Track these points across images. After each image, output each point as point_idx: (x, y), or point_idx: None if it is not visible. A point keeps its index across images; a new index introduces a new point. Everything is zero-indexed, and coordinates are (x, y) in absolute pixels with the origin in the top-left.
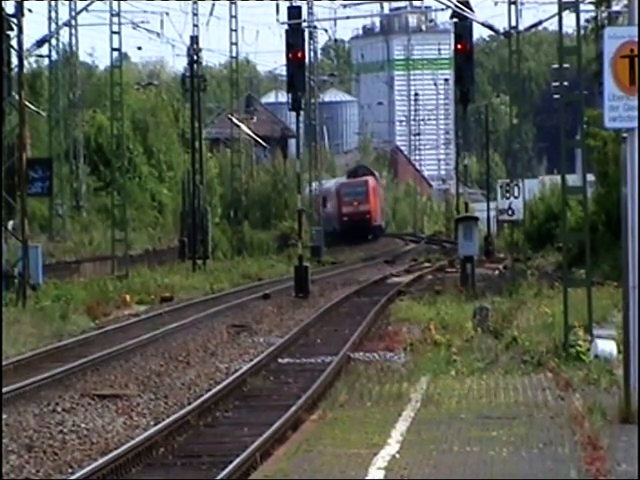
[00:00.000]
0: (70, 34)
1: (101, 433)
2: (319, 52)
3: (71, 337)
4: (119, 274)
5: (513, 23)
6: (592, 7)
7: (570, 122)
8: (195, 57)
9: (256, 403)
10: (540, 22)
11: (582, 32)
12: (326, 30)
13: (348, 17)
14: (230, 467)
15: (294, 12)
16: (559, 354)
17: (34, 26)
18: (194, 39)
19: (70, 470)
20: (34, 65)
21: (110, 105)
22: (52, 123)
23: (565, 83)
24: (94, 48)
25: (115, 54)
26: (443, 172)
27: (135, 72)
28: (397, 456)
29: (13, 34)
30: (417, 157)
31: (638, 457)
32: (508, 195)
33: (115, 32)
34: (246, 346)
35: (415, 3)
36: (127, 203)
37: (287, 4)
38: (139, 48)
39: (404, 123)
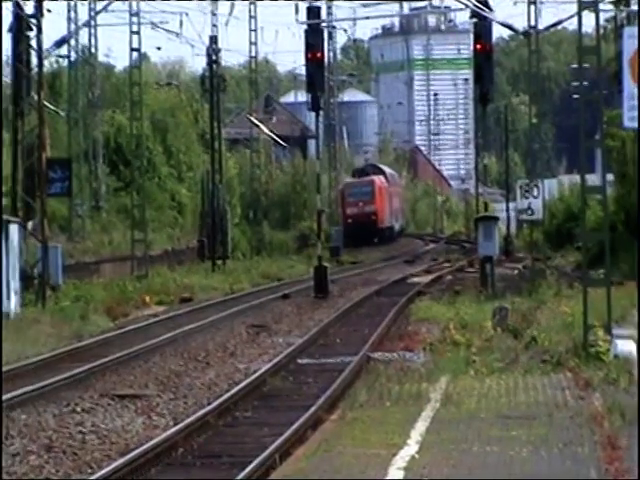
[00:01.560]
0: (89, 34)
1: (120, 433)
2: (338, 52)
3: (91, 337)
4: (138, 274)
5: (532, 23)
6: (611, 7)
7: (589, 122)
8: (214, 57)
9: (276, 403)
10: (559, 22)
11: (601, 32)
12: (345, 30)
13: (368, 17)
14: (250, 467)
15: (313, 12)
16: (579, 354)
17: (53, 26)
18: (213, 39)
19: (90, 470)
20: (54, 65)
21: (129, 105)
22: (71, 123)
23: (585, 83)
24: (110, 49)
25: (134, 54)
26: (462, 172)
27: (154, 72)
28: (416, 456)
29: (32, 34)
30: (436, 157)
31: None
32: (527, 195)
33: (134, 32)
34: (265, 346)
35: (434, 3)
36: (146, 203)
37: (306, 4)
38: (158, 48)
39: (423, 123)
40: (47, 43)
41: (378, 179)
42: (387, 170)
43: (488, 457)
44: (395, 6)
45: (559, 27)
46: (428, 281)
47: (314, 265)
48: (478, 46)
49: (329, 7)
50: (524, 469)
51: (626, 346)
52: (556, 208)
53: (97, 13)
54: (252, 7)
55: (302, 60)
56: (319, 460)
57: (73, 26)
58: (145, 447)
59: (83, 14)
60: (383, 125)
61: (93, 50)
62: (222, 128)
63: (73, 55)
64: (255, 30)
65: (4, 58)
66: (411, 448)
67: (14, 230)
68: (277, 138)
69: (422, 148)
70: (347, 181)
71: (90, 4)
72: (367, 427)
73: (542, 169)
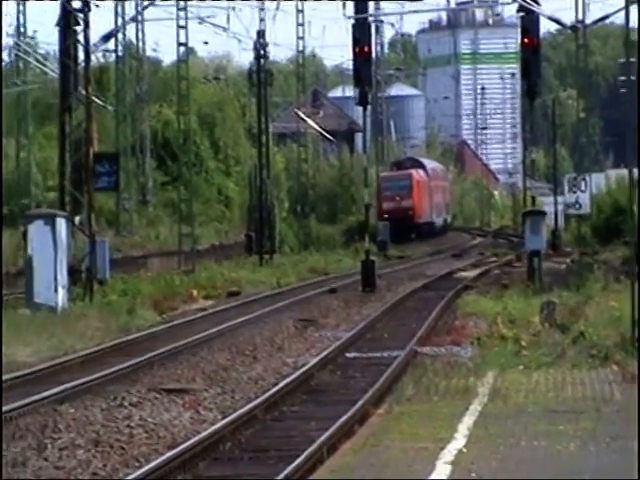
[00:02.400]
0: (136, 29)
1: (168, 427)
2: (386, 46)
3: (138, 331)
4: (186, 269)
5: (580, 17)
6: None
7: (637, 116)
8: (262, 51)
9: (323, 397)
10: (607, 16)
11: None
12: (393, 24)
13: (415, 11)
14: (297, 461)
15: (361, 6)
16: (626, 348)
17: (101, 21)
18: (261, 33)
19: (137, 464)
20: (101, 60)
21: (177, 99)
22: (119, 118)
23: (632, 77)
24: (158, 43)
25: (182, 49)
26: (510, 166)
27: (202, 67)
28: (464, 450)
29: (80, 29)
30: (484, 151)
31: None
32: (575, 189)
33: (182, 27)
34: (313, 340)
35: None
36: (194, 198)
37: None
38: (206, 43)
39: (471, 117)
40: (94, 38)
41: (416, 172)
42: (428, 163)
43: (536, 451)
44: (442, 0)
45: (606, 21)
46: (475, 275)
47: (361, 259)
48: (525, 40)
49: (377, 1)
50: (572, 463)
51: None
52: (604, 202)
53: (144, 8)
54: (299, 1)
55: (349, 54)
56: (366, 454)
57: (120, 20)
58: (192, 441)
59: (130, 8)
60: (430, 119)
61: (140, 45)
62: (269, 122)
63: (120, 50)
64: (302, 24)
65: (52, 52)
66: (459, 442)
67: (62, 224)
68: (324, 132)
69: (469, 142)
70: (383, 174)
71: None
72: (414, 421)
73: (590, 163)
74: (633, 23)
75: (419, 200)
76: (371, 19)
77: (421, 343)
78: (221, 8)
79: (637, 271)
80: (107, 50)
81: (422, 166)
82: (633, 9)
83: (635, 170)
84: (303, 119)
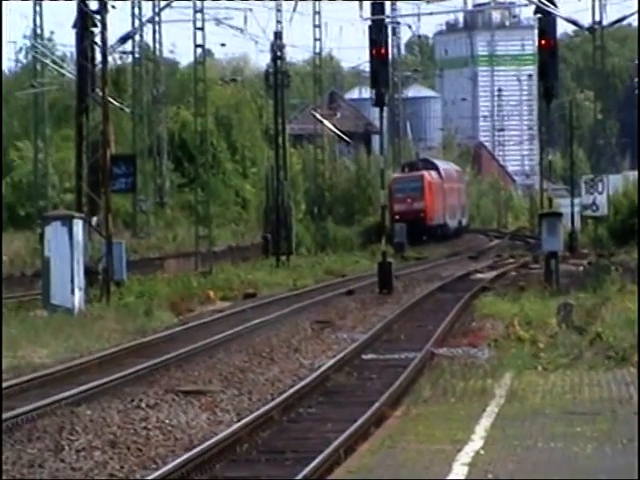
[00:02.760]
0: (153, 30)
1: (185, 429)
2: (403, 48)
3: (155, 333)
4: (203, 270)
5: (597, 18)
6: None
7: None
8: (279, 53)
9: (340, 399)
10: (624, 17)
11: None
12: (410, 26)
13: (432, 13)
14: (314, 463)
15: (377, 8)
16: None
17: (117, 23)
18: (277, 35)
19: (154, 466)
20: (118, 62)
21: (194, 101)
22: (136, 119)
23: None
24: (174, 45)
25: (199, 50)
26: (527, 167)
27: (219, 68)
28: (481, 452)
29: (97, 30)
30: (501, 153)
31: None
32: (592, 191)
33: (199, 28)
34: (330, 342)
35: None
36: (211, 199)
37: (370, 0)
38: (222, 44)
39: (488, 119)
40: (111, 39)
41: (428, 174)
42: (441, 164)
43: (553, 453)
44: (459, 2)
45: (624, 23)
46: (492, 277)
47: (378, 261)
48: (542, 42)
49: (393, 3)
50: (589, 465)
51: None
52: (620, 204)
53: (161, 9)
54: (316, 3)
55: (366, 56)
56: (383, 456)
57: (137, 22)
58: (209, 443)
59: (147, 10)
60: (447, 121)
61: (157, 46)
62: (286, 124)
63: (137, 51)
64: (319, 26)
65: (68, 54)
66: (476, 444)
67: (79, 226)
68: (341, 134)
69: (486, 144)
70: (395, 176)
71: (154, 0)
72: (431, 423)
73: (607, 165)
74: None
75: (431, 202)
76: (388, 20)
77: (438, 345)
78: (238, 10)
79: None
80: (124, 52)
81: (435, 167)
82: None
83: None
84: (320, 120)
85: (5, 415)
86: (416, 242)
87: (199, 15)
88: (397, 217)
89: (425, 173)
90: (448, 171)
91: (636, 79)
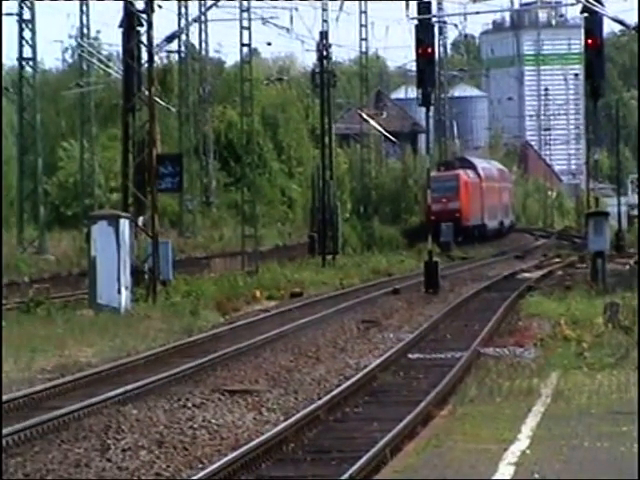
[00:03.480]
0: (200, 30)
1: (231, 428)
2: (449, 47)
3: (201, 332)
4: (249, 270)
5: None
6: None
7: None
8: (325, 52)
9: (386, 398)
10: None
11: None
12: (456, 25)
13: (478, 12)
14: (360, 462)
15: (424, 7)
16: None
17: (164, 22)
18: (324, 34)
19: (200, 465)
20: (164, 61)
21: (240, 100)
22: (182, 119)
23: None
24: (220, 44)
25: (245, 49)
26: (573, 167)
27: (265, 67)
28: (527, 452)
29: (143, 30)
30: (547, 152)
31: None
32: (639, 190)
33: (245, 27)
34: (376, 341)
35: None
36: (257, 199)
37: (417, 0)
38: (269, 44)
39: (534, 118)
40: (157, 39)
41: (464, 173)
42: (479, 163)
43: (599, 453)
44: (506, 1)
45: None
46: (538, 276)
47: (424, 260)
48: (589, 41)
49: (439, 2)
50: (635, 465)
51: None
52: None
53: (208, 9)
54: (362, 3)
55: (412, 55)
56: (429, 455)
57: (183, 22)
58: (255, 442)
59: (194, 9)
60: (493, 120)
61: (203, 46)
62: (332, 123)
63: (184, 51)
64: (365, 26)
65: (114, 54)
66: (522, 443)
67: (125, 225)
68: (387, 133)
69: (533, 143)
70: (431, 174)
71: (200, 0)
72: (477, 422)
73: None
74: None
75: (467, 202)
76: (434, 20)
77: (484, 344)
78: (284, 9)
79: None
80: (170, 51)
81: (472, 166)
82: None
83: None
84: (366, 120)
85: (52, 414)
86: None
87: (245, 14)
88: (432, 217)
89: (461, 172)
90: (488, 170)
91: None
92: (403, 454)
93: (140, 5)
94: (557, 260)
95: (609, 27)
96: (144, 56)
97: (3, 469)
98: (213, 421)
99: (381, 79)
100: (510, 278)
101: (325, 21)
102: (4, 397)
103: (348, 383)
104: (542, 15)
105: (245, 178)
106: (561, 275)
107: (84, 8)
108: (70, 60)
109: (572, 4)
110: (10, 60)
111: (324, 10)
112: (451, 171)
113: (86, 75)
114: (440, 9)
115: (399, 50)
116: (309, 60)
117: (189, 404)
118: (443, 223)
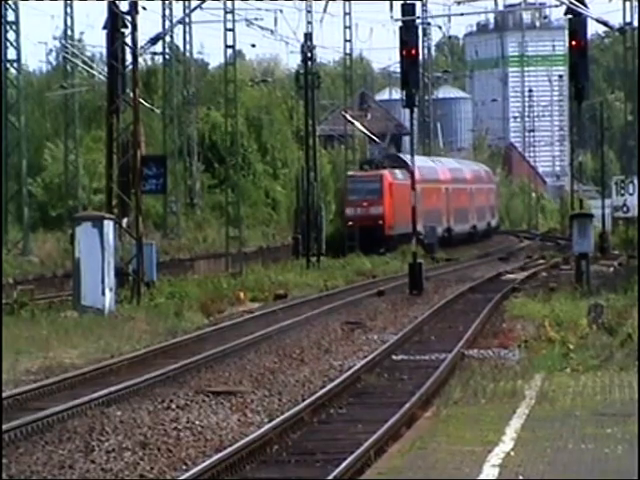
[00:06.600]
0: (184, 31)
1: (215, 430)
2: (433, 49)
3: (185, 334)
4: (233, 271)
5: (628, 19)
6: None
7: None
8: (309, 54)
9: (370, 400)
10: None
11: None
12: (440, 27)
13: (462, 14)
14: (344, 464)
15: (408, 9)
16: None
17: (148, 24)
18: (308, 36)
19: (184, 467)
20: (148, 63)
21: (224, 102)
22: (166, 120)
23: None
24: (202, 45)
25: (229, 51)
26: (558, 169)
27: (249, 69)
28: (512, 453)
29: (127, 32)
30: (531, 154)
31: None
32: (623, 192)
33: (229, 29)
34: (360, 343)
35: (529, 0)
36: (241, 200)
37: (401, 1)
38: (253, 45)
39: (518, 120)
40: (142, 40)
41: (390, 173)
42: (421, 162)
43: (583, 455)
44: (490, 3)
45: None
46: (523, 278)
47: (409, 262)
48: (573, 43)
49: (424, 4)
50: (619, 467)
51: None
52: None
53: (192, 10)
54: (346, 4)
55: (397, 57)
56: (414, 457)
57: (168, 23)
58: (240, 444)
59: (178, 11)
60: (478, 122)
61: (187, 47)
62: (317, 125)
63: (168, 52)
64: (350, 27)
65: (98, 55)
66: (506, 445)
67: (109, 227)
68: (372, 135)
69: (517, 145)
70: (349, 174)
71: (185, 1)
72: (462, 424)
73: (637, 166)
74: None
75: (390, 207)
76: (418, 21)
77: (468, 346)
78: (268, 11)
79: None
80: (154, 53)
81: (405, 165)
82: None
83: None
84: (350, 122)
85: (36, 415)
86: (372, 253)
87: (229, 16)
88: (349, 223)
89: (386, 172)
90: (431, 170)
91: None
92: (387, 456)
93: (124, 7)
94: (541, 262)
95: (593, 29)
96: (128, 58)
97: None
98: (197, 422)
99: (365, 81)
100: (494, 280)
101: (309, 23)
102: None
103: (332, 385)
104: (526, 17)
105: (229, 180)
106: (545, 277)
107: (68, 10)
108: (54, 62)
109: (556, 6)
110: None
111: (308, 12)
112: (374, 171)
113: (70, 77)
114: (424, 11)
115: (383, 52)
116: (293, 62)
117: (173, 405)
118: (427, 225)
